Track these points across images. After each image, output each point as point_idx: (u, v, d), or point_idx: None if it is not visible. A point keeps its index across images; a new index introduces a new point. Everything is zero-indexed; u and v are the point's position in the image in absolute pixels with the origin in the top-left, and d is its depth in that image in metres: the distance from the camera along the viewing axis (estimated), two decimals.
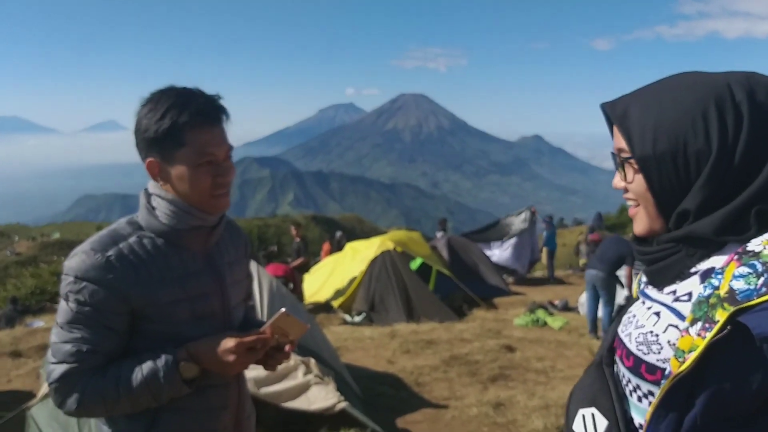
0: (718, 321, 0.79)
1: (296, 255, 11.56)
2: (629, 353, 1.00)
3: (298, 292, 8.77)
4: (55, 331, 1.34)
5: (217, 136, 1.38)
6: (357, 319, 9.19)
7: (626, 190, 1.02)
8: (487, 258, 12.96)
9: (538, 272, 17.26)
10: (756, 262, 0.81)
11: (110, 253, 1.32)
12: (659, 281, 1.00)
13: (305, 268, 11.67)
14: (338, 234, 15.64)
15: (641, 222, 1.00)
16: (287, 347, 1.45)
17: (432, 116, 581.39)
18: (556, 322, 9.00)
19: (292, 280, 8.62)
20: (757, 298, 0.77)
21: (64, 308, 1.32)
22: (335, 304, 9.96)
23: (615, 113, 0.99)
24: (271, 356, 1.45)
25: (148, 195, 1.43)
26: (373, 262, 9.83)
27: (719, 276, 0.84)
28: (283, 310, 1.36)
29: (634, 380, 0.99)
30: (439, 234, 15.24)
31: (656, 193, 0.95)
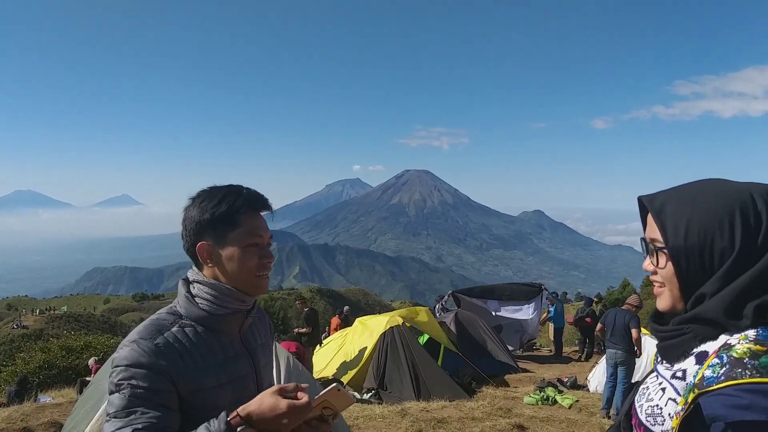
0: (689, 402, 1.01)
1: (305, 324, 11.56)
2: (640, 423, 1.15)
3: (307, 366, 8.82)
4: (108, 424, 1.34)
5: (264, 222, 1.57)
6: (366, 396, 9.16)
7: (654, 273, 1.18)
8: (496, 334, 13.00)
9: (545, 349, 17.18)
10: (724, 355, 1.00)
11: (158, 341, 1.41)
12: (667, 358, 1.15)
13: (314, 340, 11.67)
14: (346, 308, 15.74)
15: (665, 301, 1.16)
16: (331, 419, 1.51)
17: (436, 191, 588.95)
18: (566, 400, 8.96)
19: (302, 358, 8.69)
20: (716, 384, 0.97)
21: (117, 398, 1.34)
22: (344, 379, 9.95)
23: (653, 207, 1.15)
24: (314, 427, 1.48)
25: (188, 283, 1.56)
26: (383, 338, 9.89)
27: (703, 364, 1.04)
28: (335, 385, 1.42)
29: None
30: (437, 308, 15.43)
31: (682, 278, 1.11)
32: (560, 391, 9.54)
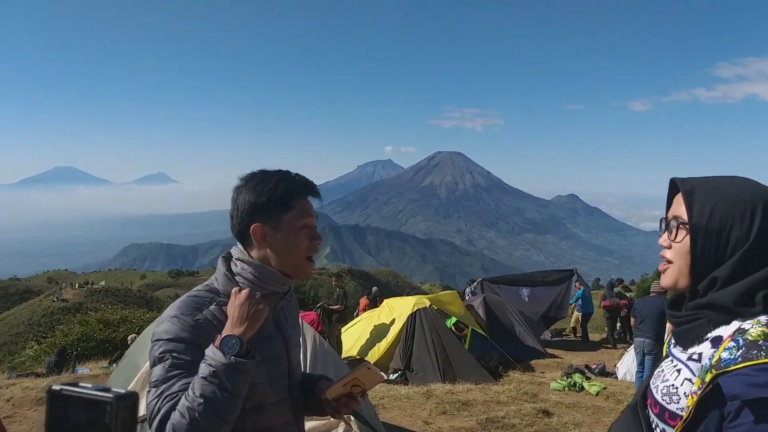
0: (706, 381, 1.09)
1: (336, 302, 11.74)
2: (656, 402, 1.24)
3: (328, 338, 9.00)
4: (150, 393, 1.39)
5: (312, 206, 1.63)
6: (393, 376, 9.24)
7: (669, 247, 1.27)
8: (524, 319, 12.91)
9: (571, 335, 16.99)
10: (740, 338, 1.09)
11: (198, 317, 1.47)
12: (683, 342, 1.25)
13: (343, 318, 11.81)
14: (374, 289, 15.79)
15: (671, 276, 1.26)
16: (360, 396, 1.59)
17: (468, 174, 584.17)
18: (593, 387, 8.87)
19: (317, 326, 8.93)
20: (734, 365, 1.05)
21: (159, 368, 1.40)
22: (371, 359, 10.04)
23: (684, 187, 1.25)
24: (344, 404, 1.58)
25: (228, 261, 1.61)
26: (410, 319, 9.93)
27: (719, 347, 1.12)
28: (365, 363, 1.48)
29: (661, 425, 1.23)
30: (468, 291, 15.35)
31: (695, 256, 1.21)
32: (588, 378, 9.45)
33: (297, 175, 1.63)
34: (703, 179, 1.27)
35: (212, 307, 1.49)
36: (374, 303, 14.31)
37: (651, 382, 1.31)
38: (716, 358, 1.10)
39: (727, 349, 1.10)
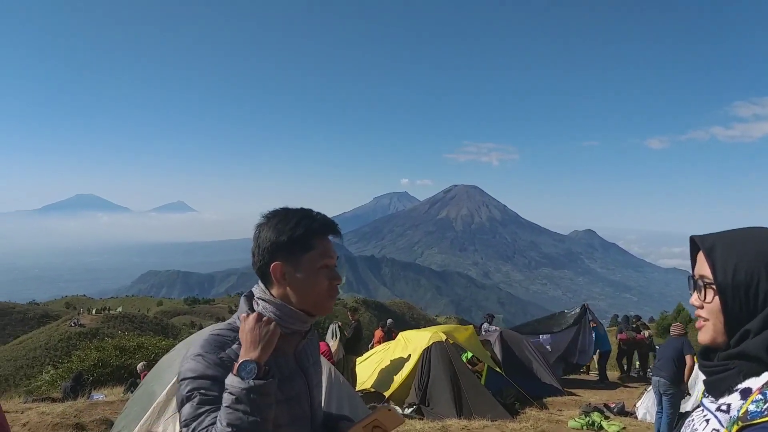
0: None
1: (352, 332, 11.69)
2: None
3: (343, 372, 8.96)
4: None
5: (333, 247, 1.65)
6: (408, 411, 9.15)
7: (700, 307, 1.29)
8: (541, 355, 12.73)
9: (592, 372, 16.72)
10: (767, 391, 1.13)
11: (222, 355, 1.49)
12: (713, 392, 1.27)
13: (357, 350, 11.72)
14: (389, 321, 15.73)
15: (707, 334, 1.28)
16: None
17: (484, 207, 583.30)
18: (612, 426, 8.70)
19: (327, 356, 8.91)
20: (759, 418, 1.09)
21: (188, 407, 1.43)
22: (386, 393, 9.95)
23: (704, 246, 1.28)
24: None
25: (250, 300, 1.63)
26: (425, 353, 9.86)
27: (747, 399, 1.16)
28: (386, 404, 1.57)
29: None
30: (485, 326, 15.19)
31: (727, 313, 1.23)
32: (606, 417, 9.28)
33: (318, 214, 1.64)
34: (721, 235, 1.30)
35: (234, 345, 1.51)
36: (389, 335, 14.24)
37: (682, 431, 1.34)
38: (743, 410, 1.14)
39: (754, 401, 1.13)
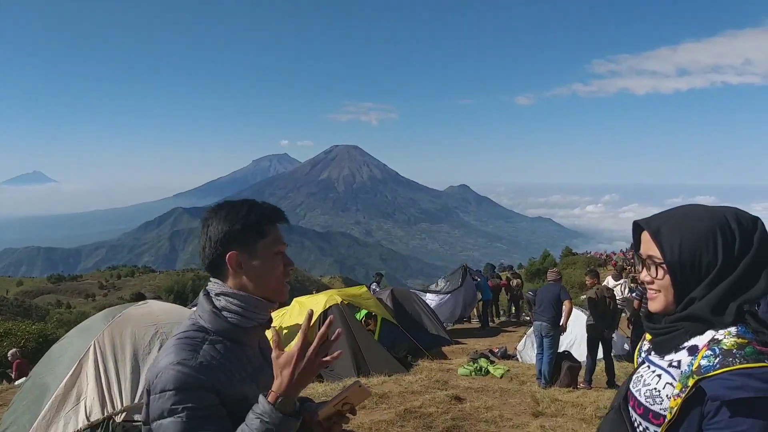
0: (689, 386, 1.28)
1: None
2: (640, 404, 1.43)
3: None
4: None
5: (281, 232, 1.66)
6: None
7: (651, 282, 1.45)
8: (430, 308, 13.37)
9: (474, 320, 17.85)
10: (716, 347, 1.28)
11: (200, 359, 1.45)
12: (661, 350, 1.44)
13: None
14: None
15: (659, 304, 1.44)
16: (349, 413, 1.61)
17: (365, 167, 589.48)
18: (497, 370, 9.41)
19: None
20: (713, 371, 1.24)
21: (174, 423, 1.38)
22: None
23: (651, 229, 1.44)
24: (335, 422, 1.60)
25: (210, 296, 1.58)
26: (322, 317, 9.93)
27: (696, 355, 1.31)
28: (356, 381, 1.51)
29: (644, 423, 1.41)
30: (373, 287, 15.66)
31: (676, 287, 1.40)
32: (492, 362, 10.01)
33: (264, 203, 1.66)
34: (663, 217, 1.46)
35: (206, 346, 1.48)
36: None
37: (631, 386, 1.49)
38: (696, 365, 1.29)
39: (705, 357, 1.28)
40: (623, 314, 14.74)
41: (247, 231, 1.56)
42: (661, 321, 1.47)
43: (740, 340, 1.28)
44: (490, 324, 16.46)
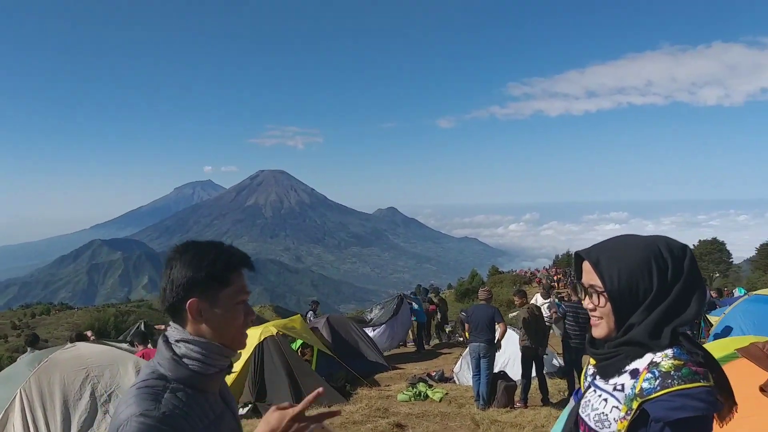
0: (633, 408, 1.39)
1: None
2: (590, 428, 1.53)
3: None
4: None
5: (246, 280, 1.61)
6: (243, 411, 8.97)
7: (593, 310, 1.55)
8: (367, 334, 13.35)
9: (410, 344, 17.94)
10: (655, 370, 1.39)
11: (162, 410, 1.40)
12: (606, 375, 1.54)
13: None
14: None
15: (603, 330, 1.55)
16: None
17: (292, 191, 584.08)
18: (436, 393, 9.50)
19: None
20: (654, 393, 1.35)
21: None
22: None
23: (591, 259, 1.55)
24: None
25: (170, 343, 1.53)
26: (257, 350, 9.73)
27: (638, 378, 1.41)
28: (319, 424, 1.50)
29: None
30: (309, 315, 15.51)
31: (617, 313, 1.50)
32: (430, 386, 10.10)
33: (232, 247, 1.62)
34: (601, 247, 1.57)
35: (167, 395, 1.44)
36: None
37: (581, 411, 1.59)
38: (638, 388, 1.39)
39: (646, 380, 1.38)
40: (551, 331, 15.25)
41: (211, 280, 1.52)
42: (602, 345, 1.56)
43: (677, 362, 1.38)
44: (426, 347, 16.61)
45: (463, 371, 11.01)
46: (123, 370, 4.75)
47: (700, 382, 1.34)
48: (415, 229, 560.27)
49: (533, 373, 9.07)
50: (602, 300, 1.51)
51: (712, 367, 1.41)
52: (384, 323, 15.18)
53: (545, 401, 8.89)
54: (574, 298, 9.73)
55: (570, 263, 63.45)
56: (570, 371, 9.37)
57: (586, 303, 1.57)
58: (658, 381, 1.36)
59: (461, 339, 18.57)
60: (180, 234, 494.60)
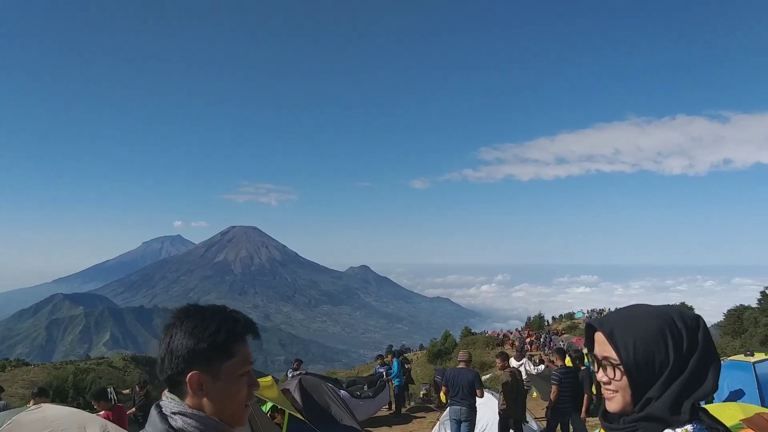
0: None
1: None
2: None
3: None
4: None
5: (250, 349, 1.50)
6: None
7: (608, 383, 1.50)
8: (340, 397, 12.91)
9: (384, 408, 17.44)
10: None
11: None
12: None
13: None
14: None
15: (618, 404, 1.49)
16: None
17: (263, 248, 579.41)
18: None
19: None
20: None
21: None
22: None
23: (605, 331, 1.50)
24: None
25: (164, 416, 1.41)
26: None
27: None
28: None
29: None
30: (290, 373, 15.08)
31: (633, 387, 1.45)
32: None
33: (236, 312, 1.51)
34: (614, 318, 1.52)
35: None
36: None
37: None
38: None
39: None
40: (528, 392, 15.03)
41: (213, 351, 1.42)
42: (617, 419, 1.51)
43: None
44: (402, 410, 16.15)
45: None
46: None
47: None
48: (388, 288, 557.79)
49: None
50: (618, 373, 1.47)
51: None
52: (368, 398, 14.96)
53: None
54: (558, 363, 9.64)
55: (541, 326, 63.69)
56: None
57: (600, 376, 1.52)
58: None
59: (435, 403, 18.15)
60: (145, 289, 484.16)
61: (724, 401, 8.22)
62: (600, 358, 1.51)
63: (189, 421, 1.39)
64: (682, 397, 1.39)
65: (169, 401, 1.43)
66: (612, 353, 1.47)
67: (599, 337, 1.52)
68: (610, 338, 1.47)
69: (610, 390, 1.50)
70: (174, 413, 1.40)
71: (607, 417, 1.55)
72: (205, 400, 1.42)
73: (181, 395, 1.43)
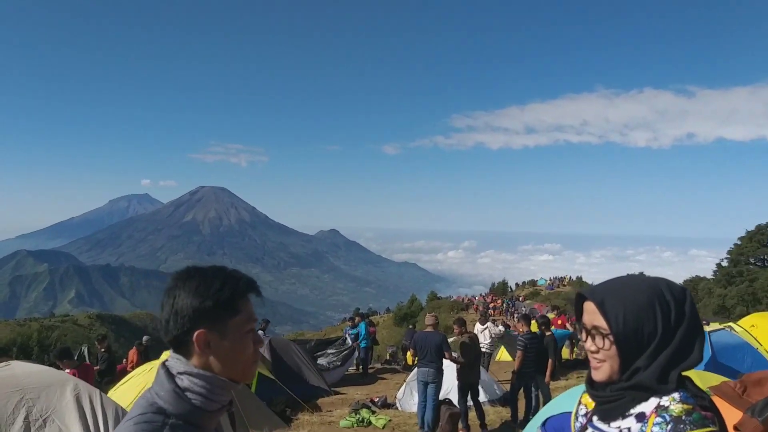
0: None
1: (101, 365, 10.74)
2: None
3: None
4: None
5: (252, 306, 1.53)
6: None
7: (596, 352, 1.52)
8: (309, 358, 13.14)
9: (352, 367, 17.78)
10: (666, 414, 1.38)
11: None
12: (608, 418, 1.52)
13: (112, 379, 10.69)
14: (145, 339, 14.53)
15: (605, 373, 1.51)
16: None
17: (233, 209, 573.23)
18: (379, 420, 9.41)
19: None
20: None
21: None
22: None
23: (596, 300, 1.51)
24: None
25: (171, 375, 1.42)
26: None
27: (646, 422, 1.40)
28: None
29: None
30: (260, 334, 15.19)
31: (622, 356, 1.48)
32: (373, 412, 9.99)
33: (237, 272, 1.53)
34: (604, 288, 1.55)
35: (166, 430, 1.35)
36: (146, 355, 13.20)
37: None
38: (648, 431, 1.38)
39: (656, 424, 1.37)
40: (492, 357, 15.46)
41: (219, 308, 1.42)
42: (603, 388, 1.53)
43: (686, 406, 1.38)
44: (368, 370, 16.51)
45: (406, 397, 10.97)
46: (60, 393, 4.43)
47: (709, 427, 1.34)
48: (357, 252, 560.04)
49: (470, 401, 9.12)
50: (607, 342, 1.49)
51: (716, 410, 1.41)
52: (337, 367, 15.24)
53: (483, 427, 8.96)
54: (523, 329, 9.92)
55: (505, 291, 65.09)
56: (514, 399, 9.51)
57: (589, 345, 1.54)
58: (669, 426, 1.35)
59: (402, 364, 18.59)
60: (112, 248, 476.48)
61: None
62: (589, 327, 1.52)
63: (195, 380, 1.40)
64: (669, 367, 1.43)
65: (175, 361, 1.44)
66: (602, 322, 1.49)
67: (589, 306, 1.53)
68: (601, 308, 1.49)
69: (597, 359, 1.52)
70: (180, 373, 1.41)
71: (593, 385, 1.57)
72: (212, 358, 1.42)
73: (187, 355, 1.43)
